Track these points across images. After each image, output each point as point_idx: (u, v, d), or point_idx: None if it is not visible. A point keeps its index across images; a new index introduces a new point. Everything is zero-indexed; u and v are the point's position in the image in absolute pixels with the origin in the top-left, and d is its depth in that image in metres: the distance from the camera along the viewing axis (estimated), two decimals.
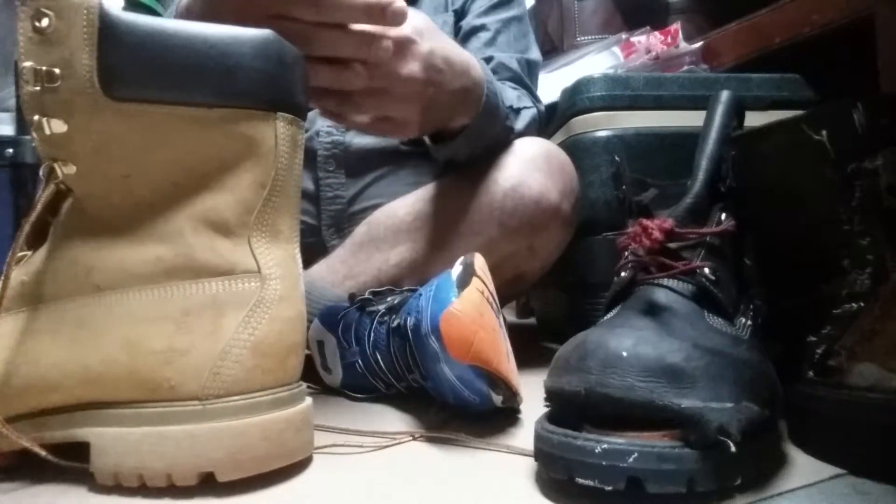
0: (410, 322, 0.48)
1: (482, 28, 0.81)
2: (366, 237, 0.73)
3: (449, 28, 0.83)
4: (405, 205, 0.72)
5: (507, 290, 0.69)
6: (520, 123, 0.72)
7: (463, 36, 0.82)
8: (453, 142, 0.65)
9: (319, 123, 0.78)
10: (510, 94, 0.73)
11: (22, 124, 0.95)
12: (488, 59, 0.78)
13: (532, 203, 0.65)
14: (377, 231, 0.72)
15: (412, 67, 0.51)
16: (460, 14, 0.84)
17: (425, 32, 0.53)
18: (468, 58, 0.60)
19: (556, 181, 0.67)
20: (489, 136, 0.66)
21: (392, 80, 0.51)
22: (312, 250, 0.75)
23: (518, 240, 0.66)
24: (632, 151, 0.80)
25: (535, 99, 0.81)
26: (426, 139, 0.69)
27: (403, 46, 0.50)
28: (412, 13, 0.50)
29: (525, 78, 0.80)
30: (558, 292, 0.93)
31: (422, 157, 0.79)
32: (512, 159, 0.67)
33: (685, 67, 0.95)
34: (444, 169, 0.74)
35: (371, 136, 0.80)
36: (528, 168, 0.66)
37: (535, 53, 0.84)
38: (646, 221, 0.40)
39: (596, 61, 1.07)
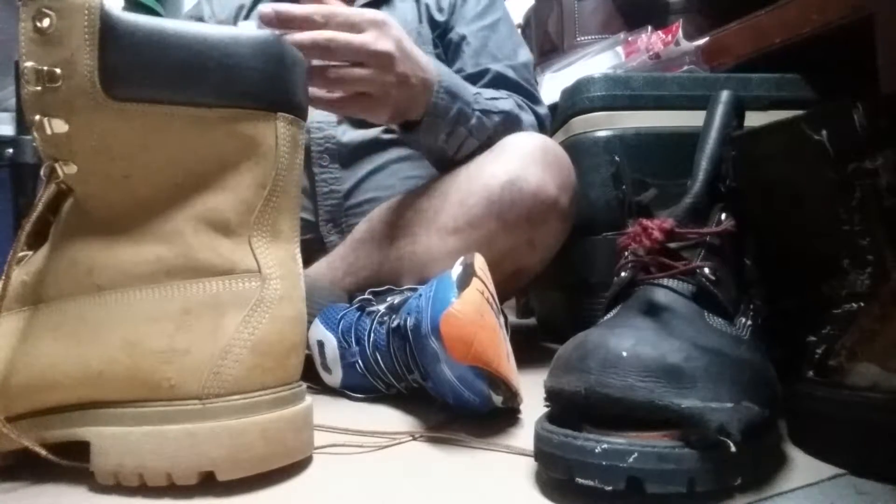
0: (410, 322, 0.48)
1: (471, 37, 0.83)
2: (366, 234, 0.73)
3: (424, 39, 0.85)
4: (404, 201, 0.72)
5: (507, 285, 0.69)
6: (503, 105, 0.74)
7: (454, 48, 0.84)
8: (419, 125, 0.66)
9: (311, 118, 0.79)
10: (484, 90, 0.74)
11: (22, 124, 0.95)
12: (485, 71, 0.80)
13: (530, 196, 0.65)
14: (377, 227, 0.72)
15: (386, 43, 0.59)
16: (446, 28, 0.86)
17: (393, 23, 0.61)
18: (425, 54, 0.66)
19: (554, 175, 0.67)
20: (457, 114, 0.67)
21: (368, 54, 0.58)
22: (311, 246, 0.75)
23: (517, 233, 0.66)
24: (632, 151, 0.80)
25: (536, 102, 0.81)
26: (397, 129, 0.71)
27: (377, 26, 0.59)
28: (376, 10, 0.61)
29: (526, 84, 0.81)
30: (558, 292, 0.93)
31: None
32: (509, 154, 0.68)
33: (685, 67, 0.95)
34: (437, 168, 0.75)
35: (362, 129, 0.81)
36: (526, 162, 0.66)
37: (524, 53, 0.86)
38: (646, 221, 0.40)
39: (597, 61, 1.07)
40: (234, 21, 0.88)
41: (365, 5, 0.84)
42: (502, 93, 0.77)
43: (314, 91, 0.62)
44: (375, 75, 0.59)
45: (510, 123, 0.73)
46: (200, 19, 0.89)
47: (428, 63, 0.65)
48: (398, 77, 0.60)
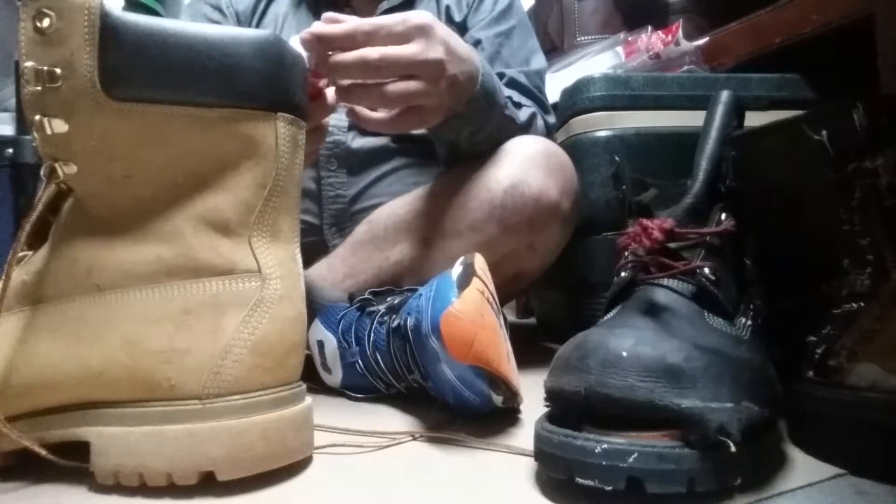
0: (410, 322, 0.48)
1: (485, 42, 0.82)
2: (366, 236, 0.73)
3: None
4: (405, 203, 0.72)
5: (508, 289, 0.69)
6: (522, 116, 0.73)
7: None
8: (451, 120, 0.64)
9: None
10: (511, 92, 0.74)
11: (22, 124, 0.95)
12: (499, 76, 0.78)
13: (532, 201, 0.65)
14: (378, 230, 0.72)
15: (436, 50, 0.55)
16: (462, 29, 0.85)
17: (436, 23, 0.57)
18: (467, 46, 0.63)
19: (556, 179, 0.67)
20: (488, 116, 0.66)
21: (421, 66, 0.55)
22: (314, 249, 0.75)
23: (518, 238, 0.66)
24: (632, 151, 0.80)
25: (546, 111, 0.81)
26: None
27: (424, 32, 0.55)
28: (418, 11, 0.56)
29: (537, 92, 0.81)
30: (558, 292, 0.93)
31: (423, 157, 0.79)
32: (511, 157, 0.67)
33: (685, 67, 0.95)
34: (446, 162, 0.74)
35: (372, 136, 0.80)
36: (528, 166, 0.66)
37: (538, 60, 0.85)
38: (646, 221, 0.40)
39: (597, 61, 1.07)
40: (252, 13, 0.86)
41: (388, 10, 0.84)
42: (524, 99, 0.76)
43: (366, 113, 0.59)
44: (429, 86, 0.56)
45: (522, 132, 0.73)
46: (218, 8, 0.86)
47: (469, 54, 0.61)
48: (449, 81, 0.57)
